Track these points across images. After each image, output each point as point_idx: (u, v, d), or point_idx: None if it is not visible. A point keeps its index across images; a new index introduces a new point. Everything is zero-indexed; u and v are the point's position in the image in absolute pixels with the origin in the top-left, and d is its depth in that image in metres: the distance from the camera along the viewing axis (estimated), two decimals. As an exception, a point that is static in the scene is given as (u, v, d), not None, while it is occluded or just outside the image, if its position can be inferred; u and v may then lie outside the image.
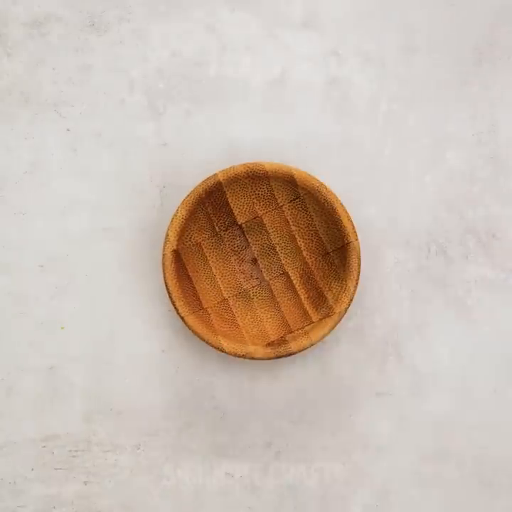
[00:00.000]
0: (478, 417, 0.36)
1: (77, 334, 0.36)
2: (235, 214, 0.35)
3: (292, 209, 0.35)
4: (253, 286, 0.36)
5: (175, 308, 0.33)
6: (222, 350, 0.33)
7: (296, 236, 0.35)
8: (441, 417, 0.36)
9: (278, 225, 0.35)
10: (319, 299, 0.35)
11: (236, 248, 0.36)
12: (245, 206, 0.35)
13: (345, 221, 0.33)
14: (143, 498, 0.36)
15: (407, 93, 0.36)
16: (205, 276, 0.35)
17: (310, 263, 0.35)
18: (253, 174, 0.33)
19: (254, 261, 0.36)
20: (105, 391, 0.36)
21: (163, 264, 0.33)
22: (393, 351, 0.36)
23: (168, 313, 0.36)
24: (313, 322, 0.34)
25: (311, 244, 0.35)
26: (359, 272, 0.33)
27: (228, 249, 0.36)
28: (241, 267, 0.36)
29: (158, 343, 0.36)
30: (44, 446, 0.36)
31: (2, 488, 0.36)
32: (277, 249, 0.35)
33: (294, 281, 0.35)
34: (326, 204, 0.33)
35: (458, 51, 0.36)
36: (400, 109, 0.36)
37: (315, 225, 0.35)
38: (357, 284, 0.33)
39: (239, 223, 0.35)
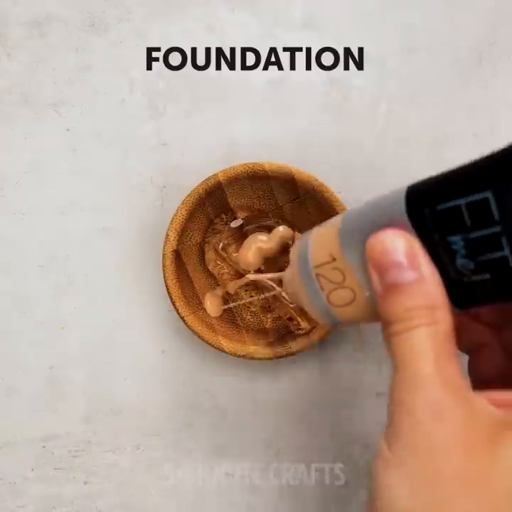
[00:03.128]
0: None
1: (77, 334, 0.36)
2: (235, 214, 0.35)
3: (292, 209, 0.35)
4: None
5: (175, 308, 0.33)
6: (222, 350, 0.33)
7: (296, 236, 0.35)
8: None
9: (278, 225, 0.35)
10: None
11: (236, 248, 0.36)
12: (245, 206, 0.35)
13: (345, 221, 0.33)
14: (143, 498, 0.36)
15: (407, 93, 0.36)
16: (205, 277, 0.35)
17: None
18: (253, 174, 0.33)
19: (254, 261, 0.36)
20: (105, 391, 0.36)
21: (163, 264, 0.33)
22: (393, 351, 0.36)
23: (168, 313, 0.36)
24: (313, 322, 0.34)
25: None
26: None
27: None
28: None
29: (158, 343, 0.36)
30: (44, 446, 0.36)
31: (2, 488, 0.36)
32: (277, 249, 0.35)
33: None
34: (326, 204, 0.33)
35: (458, 51, 0.36)
36: (399, 109, 0.36)
37: (315, 225, 0.35)
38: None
39: (239, 223, 0.35)
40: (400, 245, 0.19)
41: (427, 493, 0.19)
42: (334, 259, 0.22)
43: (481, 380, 0.26)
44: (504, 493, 0.18)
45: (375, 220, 0.20)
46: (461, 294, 0.20)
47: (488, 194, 0.17)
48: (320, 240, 0.23)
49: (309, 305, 0.24)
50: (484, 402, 0.20)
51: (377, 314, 0.21)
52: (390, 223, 0.20)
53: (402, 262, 0.19)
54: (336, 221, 0.22)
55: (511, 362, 0.25)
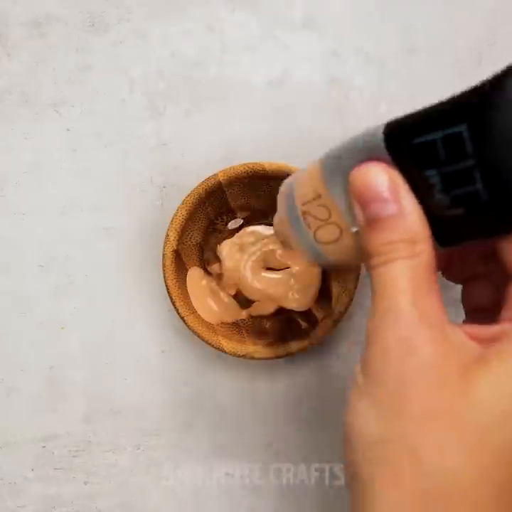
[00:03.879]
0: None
1: (77, 334, 0.36)
2: (235, 214, 0.35)
3: (292, 209, 0.35)
4: (253, 286, 0.36)
5: (175, 308, 0.33)
6: (222, 350, 0.33)
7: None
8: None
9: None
10: (319, 299, 0.35)
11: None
12: (245, 206, 0.35)
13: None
14: (143, 498, 0.36)
15: (407, 93, 0.36)
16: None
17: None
18: (253, 174, 0.33)
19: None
20: (105, 391, 0.36)
21: (163, 264, 0.33)
22: (393, 351, 0.36)
23: (168, 313, 0.36)
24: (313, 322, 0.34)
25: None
26: (359, 272, 0.33)
27: (228, 249, 0.36)
28: (241, 267, 0.36)
29: (158, 343, 0.36)
30: (44, 446, 0.36)
31: (2, 488, 0.36)
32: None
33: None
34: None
35: (458, 52, 0.36)
36: (400, 109, 0.36)
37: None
38: (357, 284, 0.33)
39: (239, 223, 0.35)
40: (382, 179, 0.19)
41: (394, 425, 0.19)
42: (319, 196, 0.22)
43: (473, 311, 0.25)
44: (473, 429, 0.18)
45: (356, 155, 0.20)
46: (441, 229, 0.20)
47: (462, 128, 0.18)
48: (304, 179, 0.23)
49: (298, 245, 0.24)
50: (463, 336, 0.20)
51: (361, 253, 0.21)
52: (371, 157, 0.20)
53: (384, 195, 0.19)
54: (318, 159, 0.22)
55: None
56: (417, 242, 0.19)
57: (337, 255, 0.23)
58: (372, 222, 0.20)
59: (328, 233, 0.22)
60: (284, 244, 0.26)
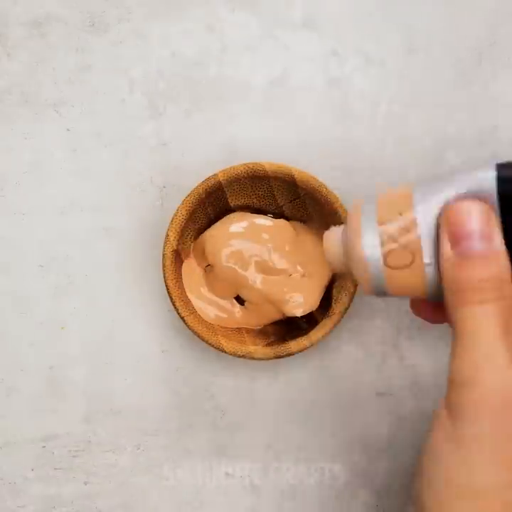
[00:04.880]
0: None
1: (77, 334, 0.36)
2: (235, 214, 0.35)
3: (292, 209, 0.35)
4: (253, 286, 0.36)
5: (175, 308, 0.33)
6: (222, 350, 0.33)
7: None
8: (441, 417, 0.36)
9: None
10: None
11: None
12: (245, 206, 0.35)
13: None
14: (143, 498, 0.36)
15: (407, 93, 0.36)
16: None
17: (310, 263, 0.35)
18: (253, 174, 0.33)
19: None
20: (105, 391, 0.36)
21: (163, 264, 0.33)
22: (393, 351, 0.36)
23: (168, 313, 0.36)
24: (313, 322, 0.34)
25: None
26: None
27: (228, 249, 0.35)
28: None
29: (158, 343, 0.36)
30: (44, 446, 0.36)
31: (2, 488, 0.36)
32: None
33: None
34: (326, 204, 0.33)
35: (458, 51, 0.36)
36: (400, 110, 0.36)
37: (315, 224, 0.35)
38: (357, 284, 0.33)
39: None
40: (482, 218, 0.20)
41: (497, 476, 0.19)
42: (404, 219, 0.22)
43: None
44: None
45: (457, 189, 0.21)
46: None
47: None
48: (390, 198, 0.23)
49: (362, 264, 0.23)
50: None
51: (426, 286, 0.21)
52: (473, 195, 0.21)
53: (480, 233, 0.20)
54: (410, 184, 0.23)
55: None
56: (505, 283, 0.20)
57: (398, 283, 0.23)
58: (465, 257, 0.20)
59: (399, 257, 0.22)
60: (338, 267, 0.25)
